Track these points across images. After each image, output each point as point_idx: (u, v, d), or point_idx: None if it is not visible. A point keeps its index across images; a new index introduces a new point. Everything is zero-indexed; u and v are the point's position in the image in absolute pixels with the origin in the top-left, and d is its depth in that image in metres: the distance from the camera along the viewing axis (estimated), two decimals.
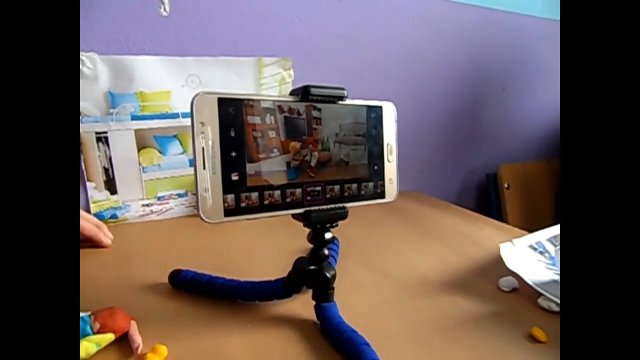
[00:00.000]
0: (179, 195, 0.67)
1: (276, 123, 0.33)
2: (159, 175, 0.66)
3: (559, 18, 1.11)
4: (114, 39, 0.59)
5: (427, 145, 0.95)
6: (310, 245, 0.37)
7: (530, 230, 0.59)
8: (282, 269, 0.39)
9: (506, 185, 0.97)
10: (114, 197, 0.63)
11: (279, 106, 0.33)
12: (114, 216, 0.64)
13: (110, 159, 0.62)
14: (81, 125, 0.59)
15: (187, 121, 0.66)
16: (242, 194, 0.31)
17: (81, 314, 0.33)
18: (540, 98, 1.14)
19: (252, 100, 0.31)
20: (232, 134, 0.31)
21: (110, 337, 0.33)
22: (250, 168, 0.31)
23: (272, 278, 0.40)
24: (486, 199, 1.04)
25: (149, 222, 0.66)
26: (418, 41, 0.89)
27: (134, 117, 0.62)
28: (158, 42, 0.62)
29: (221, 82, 0.67)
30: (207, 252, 0.53)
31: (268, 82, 0.71)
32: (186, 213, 0.69)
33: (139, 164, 0.64)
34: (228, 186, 0.30)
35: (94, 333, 0.32)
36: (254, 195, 0.32)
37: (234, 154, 0.31)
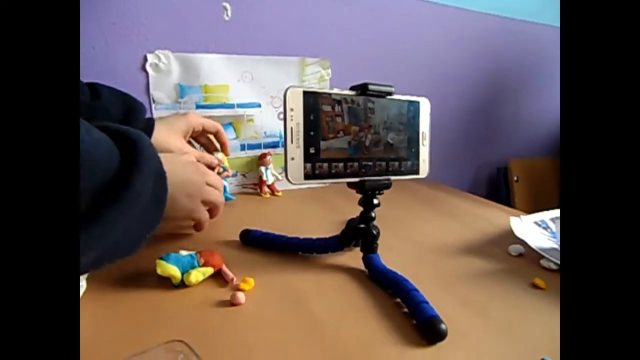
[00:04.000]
0: (232, 176, 0.78)
1: (342, 111, 0.43)
2: None
3: None
4: (185, 40, 0.70)
5: (443, 140, 1.05)
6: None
7: None
8: (327, 233, 0.50)
9: (515, 178, 1.06)
10: None
11: (344, 98, 0.43)
12: None
13: None
14: (155, 112, 0.70)
15: (241, 111, 0.76)
16: (316, 163, 0.41)
17: (190, 252, 0.43)
18: (549, 99, 1.23)
19: (326, 93, 0.41)
20: (312, 118, 0.40)
21: (211, 270, 0.43)
22: (323, 145, 0.41)
23: (327, 236, 0.50)
24: (496, 191, 1.14)
25: None
26: (439, 46, 0.98)
27: (198, 106, 0.72)
28: (220, 43, 0.72)
29: (270, 78, 0.77)
30: (263, 221, 0.63)
31: (309, 79, 0.81)
32: (237, 191, 0.79)
33: (199, 147, 0.74)
34: (307, 157, 0.40)
35: (199, 266, 0.43)
36: (325, 165, 0.42)
37: (312, 133, 0.41)
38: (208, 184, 0.51)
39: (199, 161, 0.54)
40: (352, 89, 0.44)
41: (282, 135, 0.81)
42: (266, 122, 0.79)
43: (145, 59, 0.68)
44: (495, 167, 1.14)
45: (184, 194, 0.47)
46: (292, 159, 0.40)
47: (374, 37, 0.89)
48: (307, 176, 0.41)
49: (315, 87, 0.41)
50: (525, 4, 1.09)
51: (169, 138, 0.57)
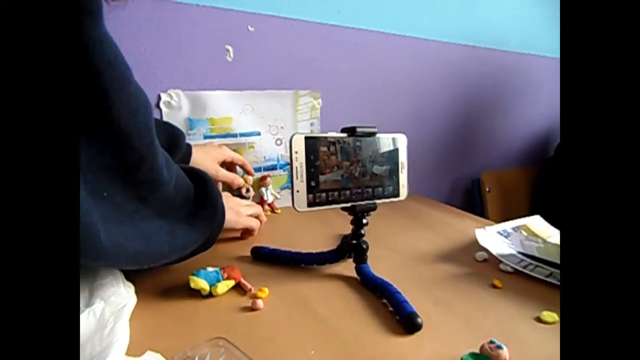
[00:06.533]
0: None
1: (336, 150, 0.53)
2: None
3: (532, 53, 1.34)
4: (193, 79, 0.80)
5: (422, 157, 1.17)
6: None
7: None
8: (323, 246, 0.60)
9: (487, 189, 1.18)
10: None
11: (337, 140, 0.53)
12: None
13: None
14: None
15: (243, 139, 0.86)
16: (317, 193, 0.51)
17: (215, 268, 0.53)
18: (516, 117, 1.37)
19: (323, 137, 0.52)
20: (312, 157, 0.51)
21: (232, 282, 0.52)
22: (321, 178, 0.51)
23: (324, 250, 0.60)
24: (471, 201, 1.26)
25: None
26: (417, 73, 1.10)
27: (206, 137, 0.82)
28: (224, 80, 0.82)
29: (268, 109, 0.87)
30: (267, 236, 0.73)
31: (302, 109, 0.92)
32: None
33: None
34: (309, 189, 0.50)
35: (223, 279, 0.52)
36: (323, 194, 0.52)
37: (312, 169, 0.51)
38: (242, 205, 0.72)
39: (232, 183, 0.78)
40: (342, 131, 0.55)
41: (280, 159, 0.91)
42: (265, 147, 0.90)
43: (159, 98, 0.77)
44: (470, 179, 1.26)
45: (231, 211, 0.65)
46: (298, 191, 0.50)
47: (359, 68, 1.00)
48: (310, 204, 0.51)
49: (314, 133, 0.51)
50: (491, 35, 1.22)
51: (205, 162, 0.73)
